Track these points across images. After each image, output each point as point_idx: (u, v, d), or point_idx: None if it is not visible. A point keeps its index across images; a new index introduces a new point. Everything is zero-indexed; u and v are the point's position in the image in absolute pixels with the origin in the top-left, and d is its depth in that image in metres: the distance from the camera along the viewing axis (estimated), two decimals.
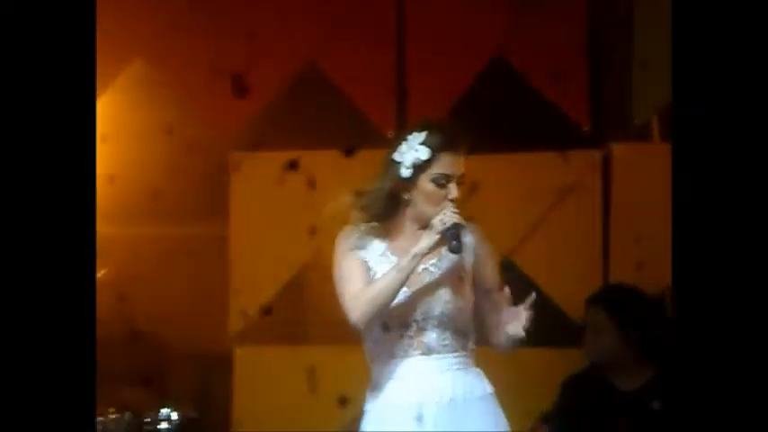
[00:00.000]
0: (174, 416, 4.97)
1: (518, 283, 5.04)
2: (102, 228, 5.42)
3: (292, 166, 5.11)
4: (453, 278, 3.31)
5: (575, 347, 4.82)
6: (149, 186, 5.35)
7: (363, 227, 3.34)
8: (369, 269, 3.31)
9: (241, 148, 5.33)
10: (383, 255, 3.32)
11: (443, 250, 3.29)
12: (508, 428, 3.35)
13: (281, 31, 5.21)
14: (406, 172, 3.27)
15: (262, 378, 5.25)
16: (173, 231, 5.49)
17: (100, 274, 5.42)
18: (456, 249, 3.23)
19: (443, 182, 3.27)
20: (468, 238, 3.33)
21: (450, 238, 3.23)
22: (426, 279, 3.30)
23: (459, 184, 3.29)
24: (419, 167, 3.27)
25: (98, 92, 5.31)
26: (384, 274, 3.26)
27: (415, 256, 3.22)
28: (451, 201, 3.27)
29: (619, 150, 5.08)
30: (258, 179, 5.25)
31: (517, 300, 5.12)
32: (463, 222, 3.26)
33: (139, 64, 5.39)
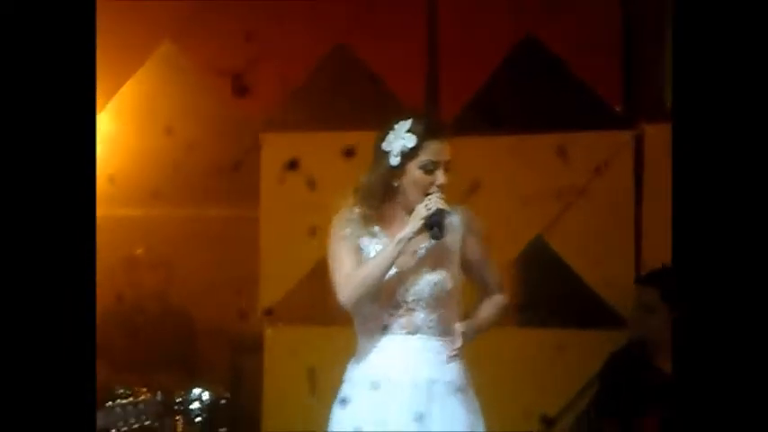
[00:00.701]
0: (206, 396, 4.99)
1: (551, 263, 5.11)
2: (137, 210, 5.52)
3: (292, 166, 5.12)
4: (443, 261, 3.41)
5: (606, 328, 4.81)
6: (180, 167, 5.37)
7: (358, 211, 3.44)
8: (361, 251, 3.42)
9: (272, 129, 5.33)
10: (376, 237, 3.43)
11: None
12: (480, 416, 3.45)
13: (312, 14, 5.20)
14: (394, 160, 3.38)
15: (292, 358, 5.26)
16: (204, 213, 5.51)
17: (137, 252, 5.46)
18: (436, 236, 3.33)
19: (431, 168, 3.37)
20: (456, 220, 3.42)
21: (432, 224, 3.32)
22: (417, 260, 3.40)
23: (446, 170, 3.39)
24: (407, 155, 3.37)
25: (129, 72, 5.43)
26: (371, 258, 3.37)
27: (399, 240, 3.34)
28: (439, 186, 3.36)
29: (652, 131, 5.04)
30: (288, 160, 5.24)
31: (548, 281, 5.19)
32: (447, 208, 3.34)
33: (168, 45, 5.40)
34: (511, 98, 5.15)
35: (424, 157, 3.36)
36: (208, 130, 5.46)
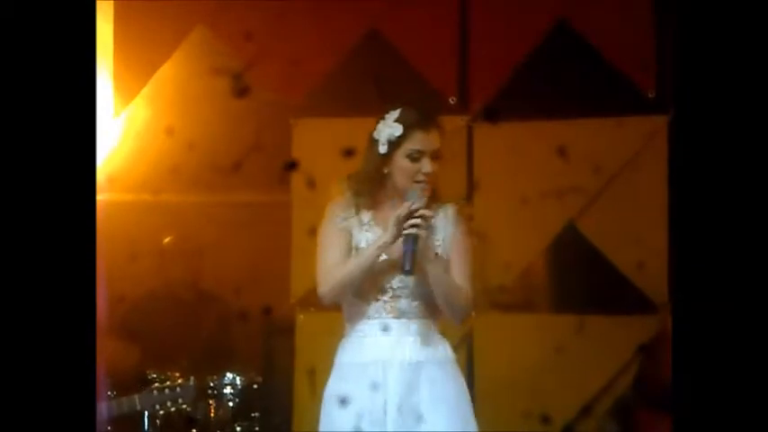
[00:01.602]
0: (238, 380, 5.03)
1: (583, 250, 5.09)
2: (170, 196, 5.54)
3: (292, 166, 5.13)
4: (429, 251, 3.46)
5: (639, 315, 4.80)
6: (211, 152, 5.39)
7: (351, 198, 3.53)
8: (351, 238, 3.52)
9: (303, 114, 5.34)
10: (367, 224, 3.52)
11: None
12: (467, 393, 3.52)
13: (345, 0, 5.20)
14: (382, 148, 3.48)
15: (323, 344, 5.27)
16: (236, 198, 5.53)
17: (165, 241, 5.49)
18: (408, 273, 3.38)
19: (417, 157, 3.45)
20: (449, 214, 3.51)
21: (405, 257, 3.36)
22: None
23: (433, 158, 3.46)
24: (394, 144, 3.47)
25: (163, 57, 5.45)
26: (353, 258, 3.46)
27: (378, 247, 3.43)
28: (425, 175, 3.41)
29: None
30: (320, 146, 5.25)
31: (581, 266, 5.17)
32: (421, 234, 3.37)
33: (200, 30, 5.42)
34: (543, 84, 5.12)
35: (409, 146, 3.45)
36: (236, 117, 5.47)
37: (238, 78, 5.02)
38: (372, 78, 5.21)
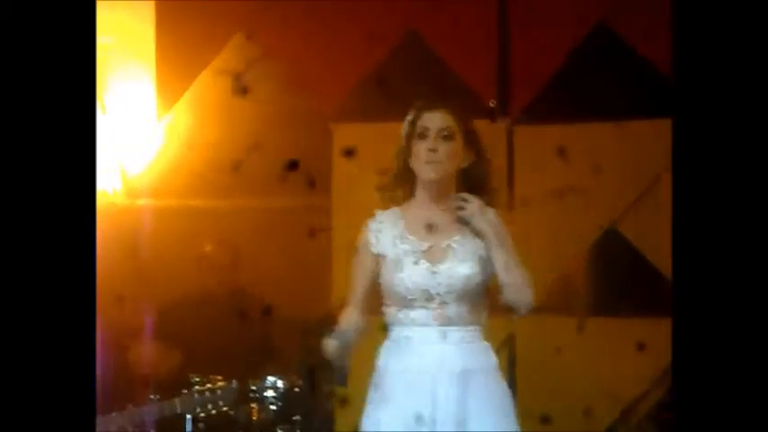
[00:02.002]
0: (280, 383, 5.05)
1: (625, 253, 5.07)
2: (209, 202, 5.59)
3: (292, 166, 5.14)
4: (474, 254, 3.42)
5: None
6: (244, 159, 5.41)
7: (381, 215, 3.48)
8: (379, 262, 3.44)
9: (342, 118, 5.35)
10: (399, 238, 3.45)
11: (465, 228, 3.42)
12: (511, 401, 3.47)
13: (383, 2, 5.21)
14: (403, 141, 3.47)
15: (364, 347, 5.28)
16: (277, 203, 5.55)
17: (208, 242, 5.53)
18: (339, 382, 3.34)
19: (424, 134, 3.43)
20: (491, 214, 3.44)
21: (335, 373, 3.34)
22: (449, 255, 3.42)
23: (444, 138, 3.42)
24: (409, 133, 3.45)
25: (202, 65, 5.50)
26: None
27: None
28: (430, 150, 3.40)
29: None
30: (359, 149, 5.26)
31: (623, 271, 5.14)
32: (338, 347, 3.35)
33: (240, 37, 5.45)
34: (583, 86, 5.11)
35: (418, 126, 3.44)
36: (274, 123, 5.49)
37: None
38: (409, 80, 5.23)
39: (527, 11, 5.20)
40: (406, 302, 3.43)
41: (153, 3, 5.62)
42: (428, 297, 3.41)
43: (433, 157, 3.40)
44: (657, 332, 4.80)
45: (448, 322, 3.42)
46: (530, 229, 4.77)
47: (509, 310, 3.46)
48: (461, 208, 3.42)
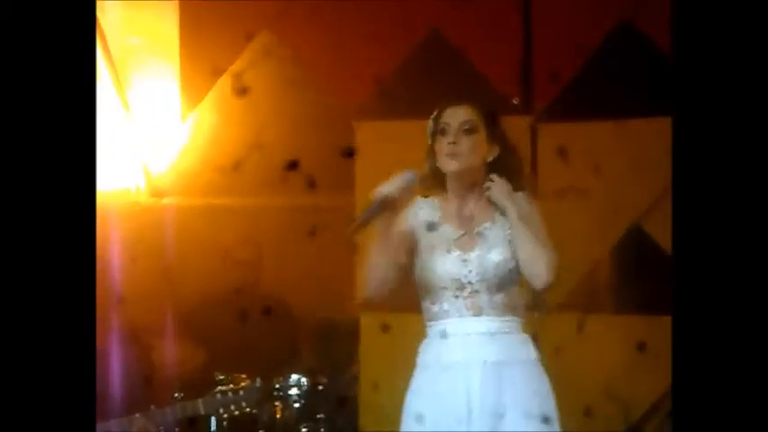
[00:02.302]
0: (304, 382, 5.06)
1: (649, 250, 5.04)
2: (233, 200, 5.60)
3: (292, 166, 5.14)
4: (504, 241, 3.42)
5: None
6: (272, 156, 5.42)
7: (422, 202, 3.49)
8: (411, 239, 3.45)
9: (365, 117, 5.35)
10: (434, 225, 3.47)
11: (495, 215, 3.43)
12: (552, 394, 3.44)
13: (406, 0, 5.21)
14: (429, 140, 3.49)
15: (387, 345, 5.29)
16: (300, 202, 5.56)
17: (231, 243, 5.54)
18: (359, 222, 3.37)
19: (446, 129, 3.45)
20: (519, 198, 3.44)
21: (367, 210, 3.37)
22: (479, 242, 3.43)
23: (465, 132, 3.43)
24: (433, 132, 3.48)
25: (226, 65, 5.51)
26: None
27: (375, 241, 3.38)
28: (450, 144, 3.42)
29: None
30: (383, 148, 5.26)
31: (647, 269, 5.11)
32: (390, 192, 3.36)
33: (265, 35, 5.46)
34: (606, 84, 5.08)
35: (441, 122, 3.46)
36: (298, 122, 5.50)
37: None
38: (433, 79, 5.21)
39: (550, 8, 5.18)
40: (439, 292, 3.43)
41: (177, 3, 5.64)
42: (459, 286, 3.41)
43: (454, 149, 3.42)
44: (658, 331, 4.78)
45: (481, 312, 3.41)
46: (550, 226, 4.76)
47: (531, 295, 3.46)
48: (488, 188, 3.42)
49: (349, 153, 4.64)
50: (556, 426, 3.41)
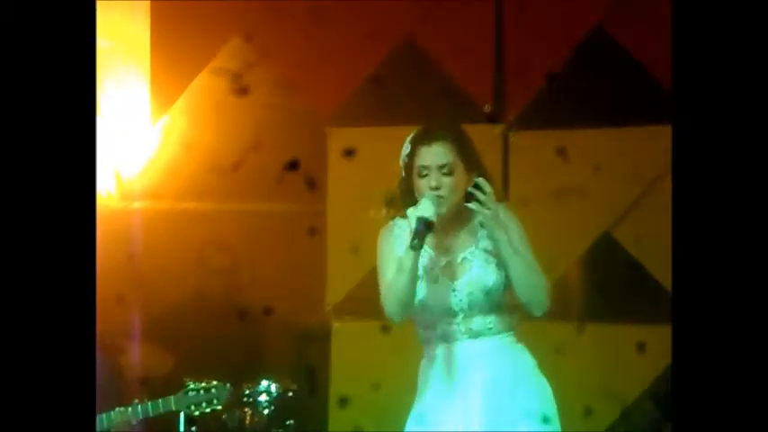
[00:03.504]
0: (273, 387, 5.04)
1: (620, 259, 5.07)
2: (204, 204, 5.58)
3: (292, 166, 5.13)
4: (489, 264, 3.42)
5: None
6: (241, 161, 5.40)
7: (401, 222, 3.45)
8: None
9: (338, 123, 5.35)
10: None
11: (475, 239, 3.42)
12: (552, 396, 3.46)
13: (382, 8, 5.21)
14: (402, 172, 3.46)
15: (358, 352, 5.28)
16: (272, 208, 5.55)
17: (205, 247, 5.52)
18: (415, 246, 3.31)
19: (425, 173, 3.39)
20: (502, 215, 3.41)
21: (415, 234, 3.30)
22: (466, 269, 3.43)
23: (445, 174, 3.38)
24: (408, 165, 3.43)
25: (198, 68, 5.49)
26: (396, 272, 3.36)
27: (407, 251, 3.33)
28: (433, 189, 3.36)
29: None
30: (356, 153, 5.26)
31: (619, 276, 5.15)
32: (430, 216, 3.31)
33: (237, 42, 5.44)
34: (577, 91, 5.11)
35: (417, 163, 3.40)
36: (270, 125, 5.48)
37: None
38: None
39: (523, 15, 5.19)
40: (431, 320, 3.43)
41: (148, 4, 5.61)
42: (452, 314, 3.41)
43: (438, 193, 3.37)
44: (656, 334, 4.81)
45: (477, 334, 3.42)
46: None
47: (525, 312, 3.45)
48: (472, 196, 3.36)
49: (348, 152, 4.63)
50: (557, 425, 3.42)
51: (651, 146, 4.97)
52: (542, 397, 3.44)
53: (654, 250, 4.95)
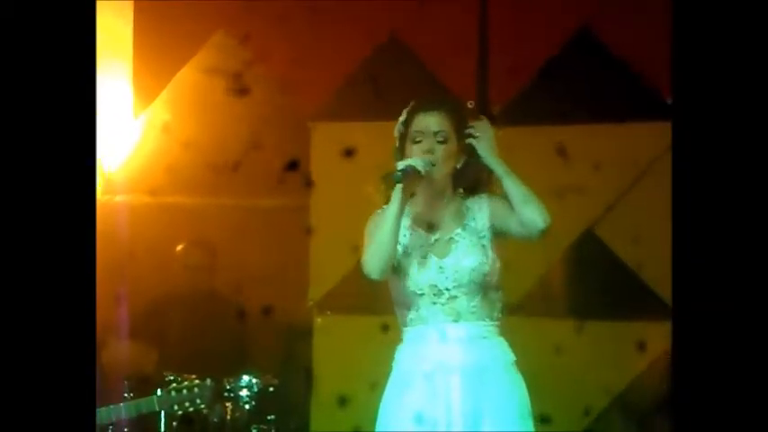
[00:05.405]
0: (255, 383, 5.03)
1: (602, 256, 5.08)
2: (185, 198, 5.56)
3: (292, 166, 5.12)
4: (477, 246, 3.44)
5: (659, 321, 4.79)
6: (230, 156, 5.40)
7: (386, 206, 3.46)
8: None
9: (322, 118, 5.35)
10: (407, 229, 3.47)
11: (465, 221, 3.45)
12: (527, 396, 3.47)
13: (366, 6, 5.20)
14: (397, 143, 3.48)
15: (341, 346, 5.28)
16: (254, 202, 5.54)
17: (188, 242, 5.50)
18: (396, 178, 3.33)
19: (419, 139, 3.43)
20: (483, 203, 3.45)
21: (399, 171, 3.33)
22: (453, 249, 3.45)
23: (439, 141, 3.42)
24: (403, 135, 3.46)
25: (182, 62, 5.47)
26: (377, 229, 3.39)
27: (389, 210, 3.36)
28: (425, 152, 3.40)
29: None
30: (338, 149, 5.25)
31: (599, 275, 5.16)
32: (418, 165, 3.34)
33: (221, 35, 5.43)
34: (562, 88, 5.12)
35: (412, 129, 3.44)
36: (260, 121, 5.48)
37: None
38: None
39: (508, 14, 5.20)
40: (416, 299, 3.44)
41: (131, 1, 5.59)
42: (437, 292, 3.42)
43: (430, 159, 3.40)
44: (657, 332, 4.82)
45: (459, 317, 3.42)
46: None
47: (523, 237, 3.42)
48: (471, 135, 3.41)
49: (348, 152, 4.62)
50: (531, 425, 3.44)
51: (635, 144, 5.00)
52: (514, 393, 3.44)
53: (640, 249, 4.97)
